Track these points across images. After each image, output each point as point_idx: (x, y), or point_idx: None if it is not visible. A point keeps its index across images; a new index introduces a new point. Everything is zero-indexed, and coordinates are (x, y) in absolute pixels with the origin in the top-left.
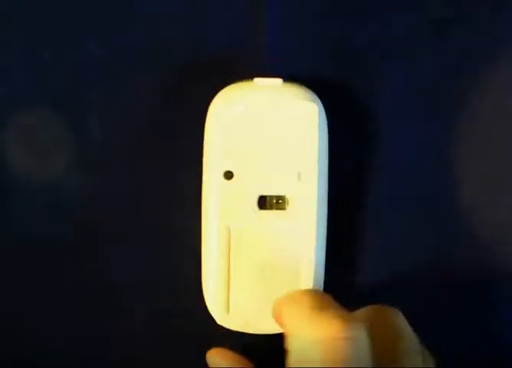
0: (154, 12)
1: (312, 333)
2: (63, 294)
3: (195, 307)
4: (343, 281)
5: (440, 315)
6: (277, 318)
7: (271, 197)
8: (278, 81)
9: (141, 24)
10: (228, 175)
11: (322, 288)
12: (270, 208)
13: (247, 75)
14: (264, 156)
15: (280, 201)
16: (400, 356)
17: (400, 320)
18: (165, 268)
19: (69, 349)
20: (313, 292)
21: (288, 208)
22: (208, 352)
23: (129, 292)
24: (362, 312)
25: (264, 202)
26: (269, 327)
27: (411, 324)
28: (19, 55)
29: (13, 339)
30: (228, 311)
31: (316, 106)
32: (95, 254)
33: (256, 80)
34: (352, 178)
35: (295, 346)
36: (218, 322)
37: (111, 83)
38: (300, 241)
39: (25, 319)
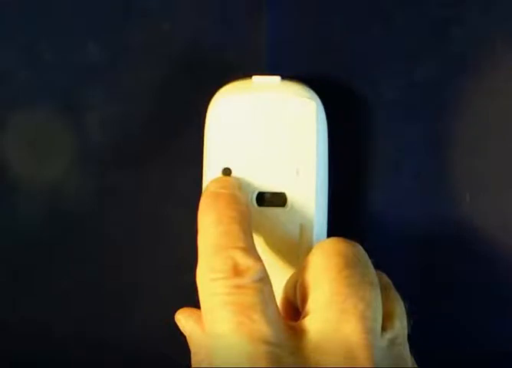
0: (154, 12)
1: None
2: (62, 294)
3: (195, 307)
4: None
5: (440, 316)
6: None
7: (270, 194)
8: (276, 79)
9: (141, 24)
10: (227, 172)
11: None
12: (269, 205)
13: (246, 75)
14: (262, 152)
15: (279, 198)
16: (344, 284)
17: (351, 249)
18: (166, 267)
19: (68, 349)
20: None
21: (287, 205)
22: (176, 313)
23: (129, 292)
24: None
25: (262, 199)
26: None
27: (412, 324)
28: (19, 55)
29: (11, 339)
30: None
31: (315, 103)
32: (95, 254)
33: (254, 77)
34: (351, 175)
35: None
36: None
37: (111, 83)
38: (298, 237)
39: (24, 319)
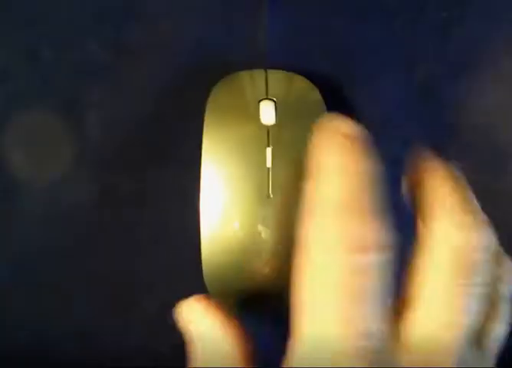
0: (154, 12)
1: None
2: (62, 293)
3: None
4: None
5: None
6: None
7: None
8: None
9: (141, 24)
10: None
11: None
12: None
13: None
14: None
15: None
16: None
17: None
18: (166, 267)
19: (68, 349)
20: None
21: None
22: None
23: (129, 292)
24: None
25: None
26: None
27: None
28: (19, 55)
29: (10, 338)
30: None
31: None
32: (95, 254)
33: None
34: None
35: None
36: None
37: (111, 84)
38: None
39: (24, 319)
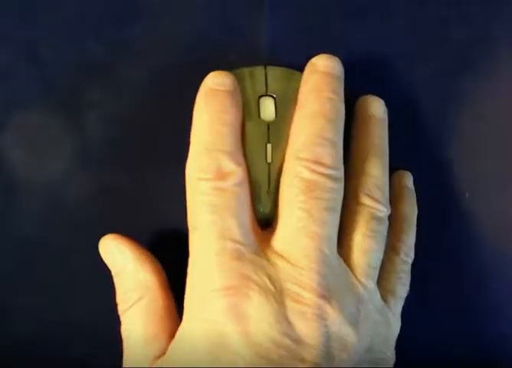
0: (154, 12)
1: None
2: (62, 293)
3: None
4: None
5: (437, 313)
6: None
7: None
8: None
9: (141, 24)
10: None
11: None
12: None
13: None
14: None
15: None
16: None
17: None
18: (166, 267)
19: (68, 348)
20: None
21: None
22: (102, 239)
23: None
24: None
25: None
26: None
27: (410, 324)
28: (19, 55)
29: (18, 339)
30: None
31: None
32: (95, 254)
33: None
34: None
35: None
36: None
37: (111, 83)
38: None
39: (23, 318)
